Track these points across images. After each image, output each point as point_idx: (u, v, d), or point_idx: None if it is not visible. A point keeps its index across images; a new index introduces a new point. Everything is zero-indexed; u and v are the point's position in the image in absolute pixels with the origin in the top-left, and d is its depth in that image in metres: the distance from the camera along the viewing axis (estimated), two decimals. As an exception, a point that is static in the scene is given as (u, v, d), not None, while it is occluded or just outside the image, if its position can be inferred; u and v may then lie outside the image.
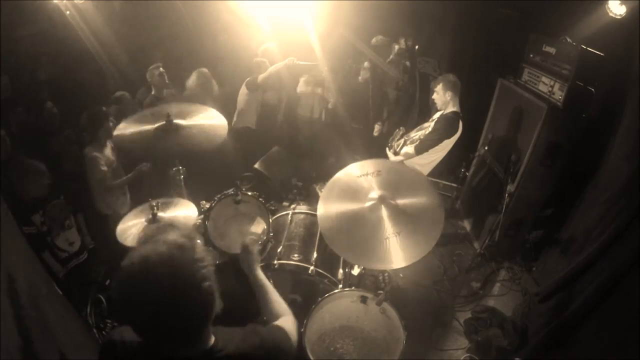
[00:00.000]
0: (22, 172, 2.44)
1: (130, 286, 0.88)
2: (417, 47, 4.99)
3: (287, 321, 1.28)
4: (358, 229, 1.95)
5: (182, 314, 0.90)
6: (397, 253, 1.85)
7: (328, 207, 2.07)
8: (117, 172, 3.14)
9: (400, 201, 2.02)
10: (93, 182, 3.01)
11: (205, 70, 3.94)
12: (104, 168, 2.98)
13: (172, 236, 0.92)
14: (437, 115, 3.30)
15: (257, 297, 1.38)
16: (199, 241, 0.98)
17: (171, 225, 0.99)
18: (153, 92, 3.84)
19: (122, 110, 3.47)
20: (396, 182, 2.11)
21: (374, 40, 5.13)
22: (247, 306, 1.62)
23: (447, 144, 3.18)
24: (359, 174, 2.16)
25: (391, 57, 4.87)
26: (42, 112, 3.62)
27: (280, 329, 1.20)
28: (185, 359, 0.98)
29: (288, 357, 1.17)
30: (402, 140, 3.44)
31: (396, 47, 4.89)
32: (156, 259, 0.87)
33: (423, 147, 3.13)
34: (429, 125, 3.28)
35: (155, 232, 0.95)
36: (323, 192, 2.16)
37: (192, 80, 3.90)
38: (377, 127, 4.93)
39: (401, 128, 3.51)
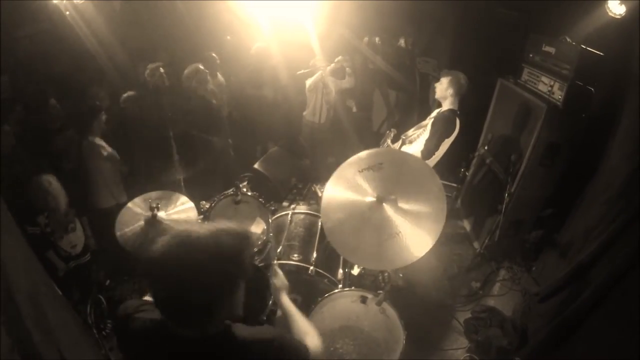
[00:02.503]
0: (32, 189, 2.45)
1: (158, 254, 0.94)
2: (405, 39, 5.01)
3: (310, 338, 1.29)
4: (359, 230, 1.93)
5: (195, 295, 0.93)
6: (399, 252, 1.85)
7: (330, 210, 2.04)
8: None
9: (401, 197, 1.97)
10: (100, 170, 3.01)
11: (197, 65, 3.80)
12: (108, 150, 3.01)
13: (222, 225, 1.00)
14: (434, 114, 3.30)
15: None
16: (249, 242, 1.03)
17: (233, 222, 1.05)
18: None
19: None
20: (397, 174, 2.04)
21: (376, 39, 5.15)
22: (250, 306, 1.62)
23: (446, 143, 3.18)
24: (360, 168, 2.08)
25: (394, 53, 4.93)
26: (45, 109, 3.62)
27: (299, 341, 1.21)
28: (197, 339, 1.00)
29: None
30: (399, 141, 3.44)
31: (376, 39, 4.96)
32: (190, 238, 0.94)
33: (428, 152, 3.12)
34: (426, 124, 3.28)
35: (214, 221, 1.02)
36: (323, 196, 2.12)
37: (184, 75, 3.81)
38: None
39: (392, 129, 3.50)
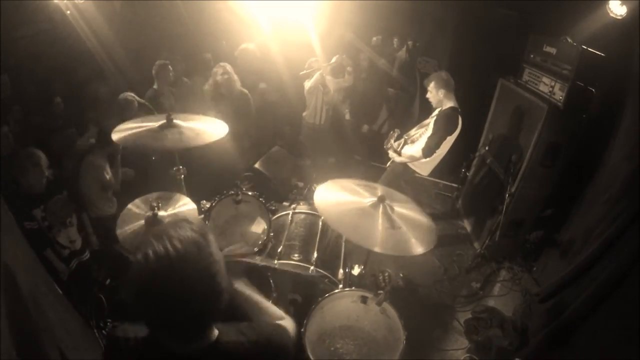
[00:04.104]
0: (20, 160, 2.43)
1: (146, 281, 0.89)
2: (417, 44, 5.00)
3: (286, 321, 1.27)
4: (356, 213, 1.95)
5: (193, 308, 0.91)
6: (399, 242, 1.85)
7: (328, 194, 2.08)
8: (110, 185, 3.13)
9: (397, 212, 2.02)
10: (90, 187, 3.00)
11: (226, 65, 3.79)
12: (108, 175, 3.01)
13: (187, 233, 0.93)
14: (435, 113, 3.30)
15: (248, 312, 1.32)
16: (211, 236, 0.99)
17: (184, 220, 0.99)
18: (155, 86, 3.84)
19: (125, 112, 3.43)
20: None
21: (374, 39, 5.14)
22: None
23: (448, 141, 3.19)
24: (356, 182, 2.18)
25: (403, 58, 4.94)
26: (48, 108, 3.63)
27: (279, 326, 1.20)
28: (189, 353, 0.99)
29: (287, 353, 1.16)
30: (402, 140, 3.44)
31: (378, 39, 5.04)
32: (173, 255, 0.88)
33: (429, 150, 3.13)
34: (428, 123, 3.28)
35: (168, 227, 0.95)
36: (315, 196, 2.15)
37: (215, 75, 3.77)
38: (365, 127, 5.15)
39: (395, 130, 3.51)
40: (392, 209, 2.00)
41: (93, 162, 2.96)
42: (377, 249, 1.78)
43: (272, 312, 1.31)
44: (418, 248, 1.83)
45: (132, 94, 3.49)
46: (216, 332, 1.04)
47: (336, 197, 2.07)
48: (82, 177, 2.96)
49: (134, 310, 0.92)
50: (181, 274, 0.88)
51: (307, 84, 4.16)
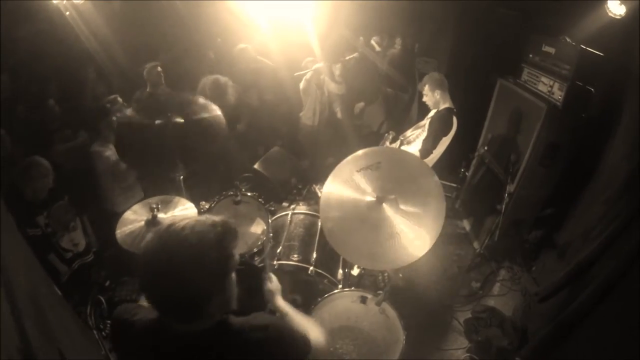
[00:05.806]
0: (26, 170, 2.43)
1: (154, 249, 0.96)
2: (416, 45, 5.00)
3: (311, 332, 1.25)
4: (359, 230, 1.93)
5: (195, 276, 0.95)
6: (399, 252, 1.85)
7: (329, 210, 2.04)
8: (122, 169, 3.06)
9: (401, 196, 1.96)
10: (102, 178, 2.98)
11: (220, 79, 3.69)
12: (110, 154, 2.91)
13: (207, 224, 0.99)
14: (431, 114, 3.30)
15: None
16: (233, 234, 1.03)
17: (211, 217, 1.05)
18: (148, 89, 3.83)
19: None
20: (396, 173, 2.03)
21: (361, 39, 5.14)
22: (250, 306, 1.62)
23: (445, 141, 3.19)
24: (358, 168, 2.07)
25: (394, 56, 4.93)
26: (44, 110, 3.62)
27: (297, 330, 1.20)
28: (194, 333, 1.01)
29: (299, 351, 1.15)
30: (398, 142, 3.45)
31: (374, 39, 5.02)
32: (181, 226, 0.97)
33: (426, 152, 3.14)
34: (424, 124, 3.29)
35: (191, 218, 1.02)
36: (322, 195, 2.13)
37: (204, 89, 3.64)
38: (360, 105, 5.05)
39: (390, 132, 3.51)
40: (395, 205, 1.96)
41: (96, 150, 2.93)
42: (387, 267, 1.78)
43: (301, 322, 1.34)
44: (422, 248, 1.87)
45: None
46: (218, 317, 1.05)
47: (337, 207, 2.02)
48: (96, 169, 2.94)
49: (139, 279, 0.97)
50: (172, 249, 0.94)
51: (301, 85, 4.16)
